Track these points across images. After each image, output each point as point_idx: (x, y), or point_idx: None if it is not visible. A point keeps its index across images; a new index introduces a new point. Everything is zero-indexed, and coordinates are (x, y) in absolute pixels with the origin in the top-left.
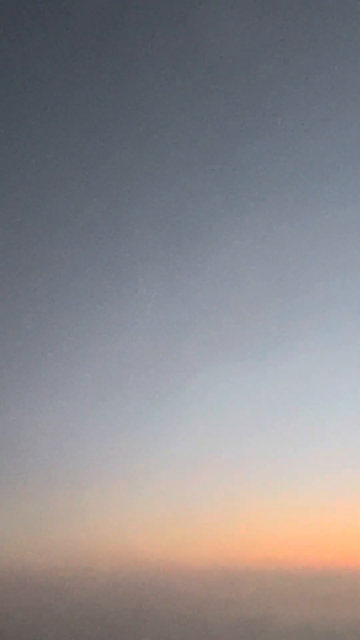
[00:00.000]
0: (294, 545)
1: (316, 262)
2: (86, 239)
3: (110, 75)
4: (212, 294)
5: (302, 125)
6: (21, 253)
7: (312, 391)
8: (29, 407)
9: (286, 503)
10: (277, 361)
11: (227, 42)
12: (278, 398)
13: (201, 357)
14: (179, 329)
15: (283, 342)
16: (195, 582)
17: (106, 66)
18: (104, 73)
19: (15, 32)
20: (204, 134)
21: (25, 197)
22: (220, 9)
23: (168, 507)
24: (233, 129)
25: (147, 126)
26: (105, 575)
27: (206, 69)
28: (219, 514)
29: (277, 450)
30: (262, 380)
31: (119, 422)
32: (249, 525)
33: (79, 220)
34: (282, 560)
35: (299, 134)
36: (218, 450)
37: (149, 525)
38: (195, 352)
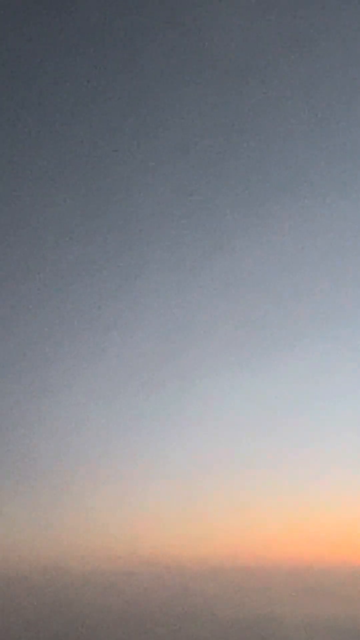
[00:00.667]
0: (301, 542)
1: (322, 263)
2: (89, 239)
3: (117, 65)
4: (216, 296)
5: (313, 123)
6: (26, 252)
7: (316, 393)
8: (33, 408)
9: (293, 501)
10: (283, 361)
11: (232, 41)
12: (282, 399)
13: (209, 358)
14: (184, 331)
15: (289, 344)
16: (203, 580)
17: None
18: (113, 58)
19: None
20: (212, 131)
21: (29, 191)
22: (223, 8)
23: (174, 506)
24: (241, 127)
25: (155, 122)
26: (114, 574)
27: (210, 66)
28: (225, 513)
29: (283, 449)
30: (267, 381)
31: (124, 422)
32: (256, 524)
33: (80, 219)
34: (289, 557)
35: (309, 131)
36: (224, 450)
37: (155, 525)
38: (203, 353)
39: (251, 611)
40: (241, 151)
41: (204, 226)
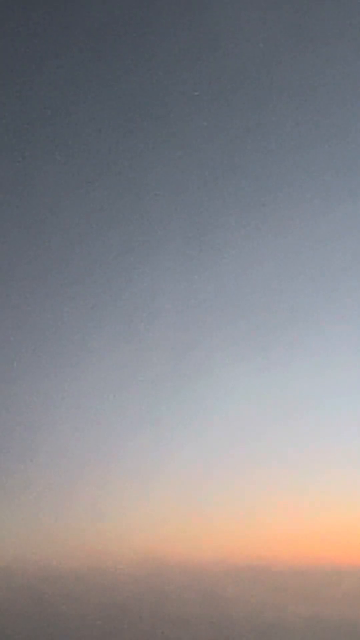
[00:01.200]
0: (304, 542)
1: (327, 262)
2: (95, 234)
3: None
4: (224, 292)
5: (317, 124)
6: (36, 248)
7: (319, 392)
8: (39, 402)
9: (297, 500)
10: (288, 360)
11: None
12: (286, 398)
13: (217, 355)
14: (190, 328)
15: (293, 343)
16: (204, 579)
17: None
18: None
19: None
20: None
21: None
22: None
23: (178, 505)
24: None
25: (168, 121)
26: (122, 574)
27: (218, 64)
28: (229, 512)
29: (289, 447)
30: (271, 380)
31: (129, 420)
32: (260, 523)
33: (86, 212)
34: (292, 557)
35: (314, 131)
36: (228, 449)
37: (159, 524)
38: (211, 349)
39: (258, 611)
40: (252, 147)
41: (207, 224)
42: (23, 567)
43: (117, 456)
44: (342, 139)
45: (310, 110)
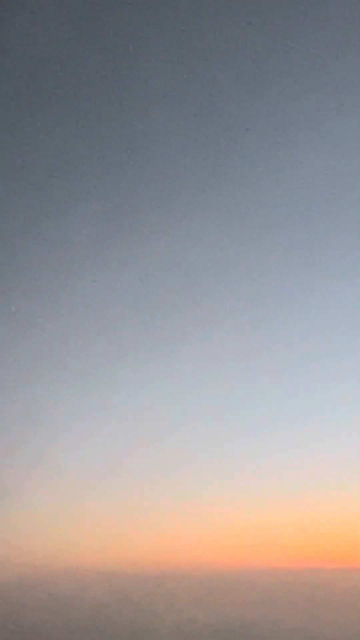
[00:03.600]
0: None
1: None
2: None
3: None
4: (140, 288)
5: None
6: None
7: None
8: None
9: (186, 509)
10: (179, 368)
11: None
12: (178, 405)
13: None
14: (106, 322)
15: (183, 343)
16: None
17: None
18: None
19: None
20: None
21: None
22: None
23: (64, 509)
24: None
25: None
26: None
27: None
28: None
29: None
30: (173, 375)
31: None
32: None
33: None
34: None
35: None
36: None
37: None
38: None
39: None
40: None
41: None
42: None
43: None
44: None
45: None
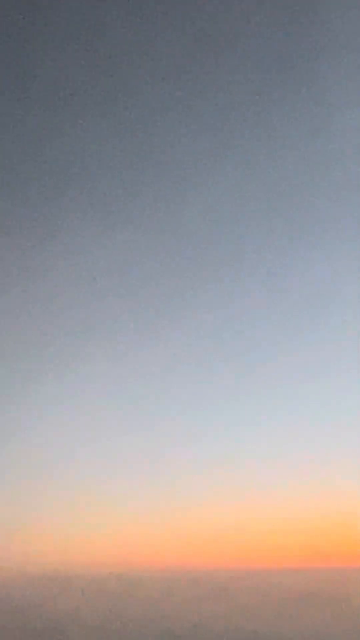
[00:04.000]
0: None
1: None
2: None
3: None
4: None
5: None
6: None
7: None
8: None
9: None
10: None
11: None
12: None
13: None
14: (38, 326)
15: (85, 353)
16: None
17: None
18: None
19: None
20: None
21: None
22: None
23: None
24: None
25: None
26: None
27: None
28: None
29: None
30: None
31: None
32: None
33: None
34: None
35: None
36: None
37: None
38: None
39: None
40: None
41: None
42: None
43: None
44: None
45: None
